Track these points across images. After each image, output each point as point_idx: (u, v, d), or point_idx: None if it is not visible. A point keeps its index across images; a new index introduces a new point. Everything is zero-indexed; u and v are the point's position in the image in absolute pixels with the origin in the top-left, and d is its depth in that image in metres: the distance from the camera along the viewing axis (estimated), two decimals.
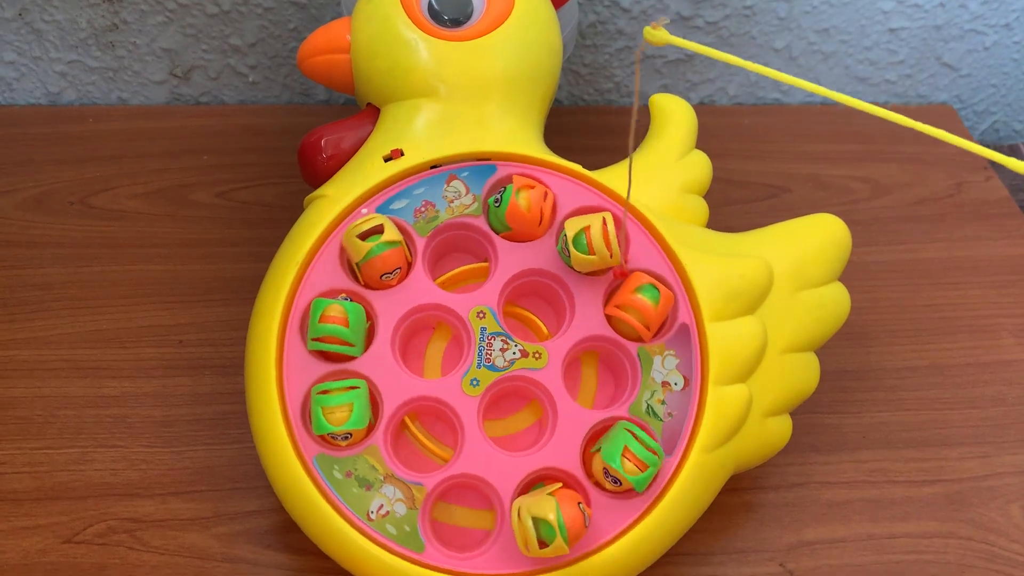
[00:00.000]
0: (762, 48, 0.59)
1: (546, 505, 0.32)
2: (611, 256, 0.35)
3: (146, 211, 0.52)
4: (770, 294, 0.38)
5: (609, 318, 0.36)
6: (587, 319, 0.36)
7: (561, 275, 0.37)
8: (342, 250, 0.37)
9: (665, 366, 0.36)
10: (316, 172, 0.40)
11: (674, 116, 0.41)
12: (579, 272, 0.36)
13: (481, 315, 0.36)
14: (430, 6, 0.39)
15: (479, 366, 0.35)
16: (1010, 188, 0.58)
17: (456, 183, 0.38)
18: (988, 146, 0.63)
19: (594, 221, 0.35)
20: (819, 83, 0.61)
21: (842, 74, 0.61)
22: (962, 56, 0.61)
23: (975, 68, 0.62)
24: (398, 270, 0.36)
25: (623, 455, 0.33)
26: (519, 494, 0.34)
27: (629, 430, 0.34)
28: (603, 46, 0.58)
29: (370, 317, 0.36)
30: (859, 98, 0.66)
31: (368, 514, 0.34)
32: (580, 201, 0.38)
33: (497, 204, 0.37)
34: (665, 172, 0.40)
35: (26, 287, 0.47)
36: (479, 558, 0.34)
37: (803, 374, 0.39)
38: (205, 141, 0.56)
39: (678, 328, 0.36)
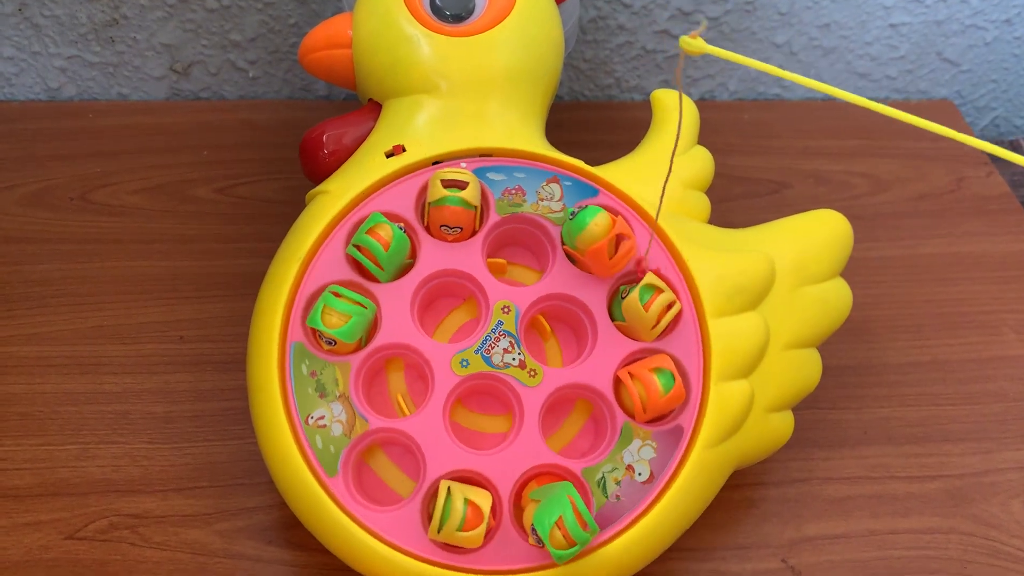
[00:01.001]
0: (763, 43, 0.59)
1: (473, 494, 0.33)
2: (650, 329, 0.35)
3: (146, 207, 0.52)
4: (772, 290, 0.38)
5: (616, 380, 0.36)
6: (598, 371, 0.36)
7: (599, 319, 0.36)
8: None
9: (640, 453, 0.35)
10: (318, 168, 0.40)
11: (675, 112, 0.41)
12: (620, 322, 0.36)
13: (506, 310, 0.36)
14: (432, 2, 0.39)
15: (476, 351, 0.35)
16: (1011, 183, 0.58)
17: (555, 186, 0.37)
18: (988, 141, 0.63)
19: (666, 295, 0.35)
20: (819, 78, 0.61)
21: (843, 69, 0.61)
22: (963, 52, 0.61)
23: (976, 64, 0.62)
24: (459, 230, 0.36)
25: (556, 524, 0.32)
26: (442, 476, 0.34)
27: (571, 497, 0.32)
28: (604, 41, 0.58)
29: (413, 254, 0.36)
30: (859, 94, 0.66)
31: (307, 418, 0.34)
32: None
33: (572, 217, 0.36)
34: (667, 168, 0.40)
35: (26, 283, 0.47)
36: (385, 516, 0.33)
37: (805, 370, 0.39)
38: (205, 136, 0.56)
39: (672, 429, 0.35)
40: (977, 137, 0.61)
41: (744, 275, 0.37)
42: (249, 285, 0.39)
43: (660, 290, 0.35)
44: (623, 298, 0.36)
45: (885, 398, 0.45)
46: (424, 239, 0.37)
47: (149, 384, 0.44)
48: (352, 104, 0.45)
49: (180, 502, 0.40)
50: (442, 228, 0.36)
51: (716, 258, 0.37)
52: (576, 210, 0.36)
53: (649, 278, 0.36)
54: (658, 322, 0.35)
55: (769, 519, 0.40)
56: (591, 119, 0.59)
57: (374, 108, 0.40)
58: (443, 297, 0.38)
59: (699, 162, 0.41)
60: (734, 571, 0.39)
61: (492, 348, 0.36)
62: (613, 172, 0.39)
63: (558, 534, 0.32)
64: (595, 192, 0.38)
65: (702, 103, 0.61)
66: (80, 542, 0.38)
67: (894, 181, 0.56)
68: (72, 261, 0.48)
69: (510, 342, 0.36)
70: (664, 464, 0.35)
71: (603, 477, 0.34)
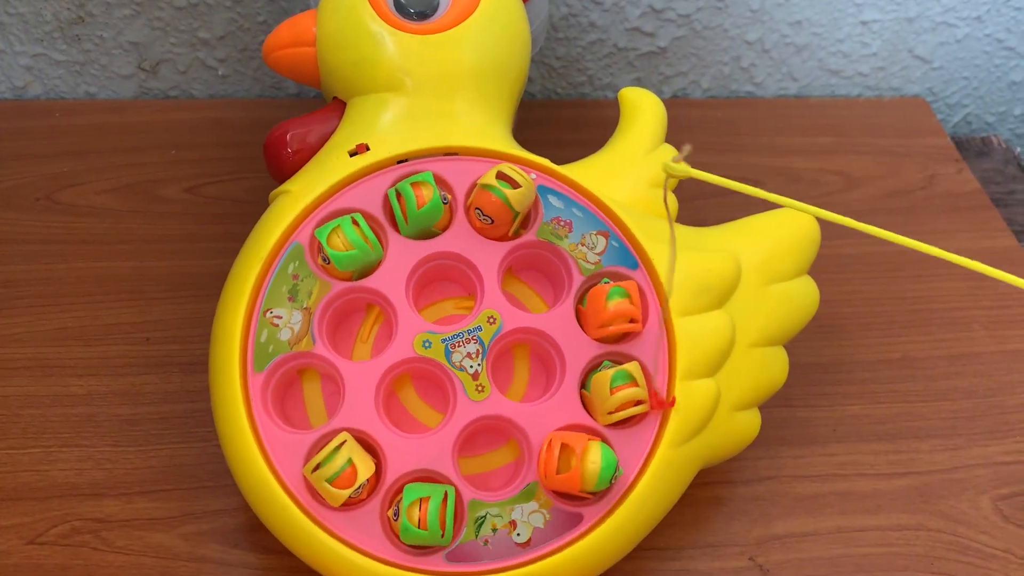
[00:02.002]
0: (734, 41, 0.59)
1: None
2: (606, 414, 0.34)
3: (114, 207, 0.51)
4: (738, 288, 0.38)
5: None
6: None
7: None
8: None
9: (530, 517, 0.34)
10: (282, 167, 0.39)
11: (643, 110, 0.41)
12: (584, 391, 0.36)
13: (492, 320, 0.35)
14: None
15: (443, 340, 0.35)
16: (981, 180, 0.58)
17: (601, 239, 0.37)
18: (960, 138, 0.63)
19: (638, 390, 0.34)
20: (792, 76, 0.61)
21: (815, 67, 0.61)
22: (934, 49, 0.61)
23: (947, 60, 0.62)
24: (490, 220, 0.36)
25: (420, 501, 0.33)
26: (347, 429, 0.34)
27: (448, 494, 0.33)
28: (575, 39, 0.58)
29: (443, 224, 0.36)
30: (832, 91, 0.66)
31: (267, 311, 0.35)
32: (622, 263, 0.37)
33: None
34: (634, 166, 0.40)
35: None
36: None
37: (772, 368, 0.38)
38: (174, 136, 0.55)
39: (572, 514, 0.34)
40: (948, 134, 0.62)
41: (710, 274, 0.37)
42: (217, 286, 0.39)
43: (634, 383, 0.35)
44: (597, 371, 0.35)
45: (855, 395, 0.45)
46: (459, 218, 0.37)
47: (115, 386, 0.43)
48: (322, 102, 0.45)
49: (144, 505, 0.39)
50: (475, 211, 0.36)
51: (682, 257, 0.37)
52: (606, 280, 0.36)
53: (632, 366, 0.35)
54: (617, 410, 0.34)
55: (737, 517, 0.40)
56: (564, 117, 0.59)
57: (338, 106, 0.40)
58: (448, 281, 0.37)
59: (665, 160, 0.40)
60: (702, 570, 0.39)
61: (458, 346, 0.35)
62: (579, 171, 0.39)
63: (415, 513, 0.32)
64: (635, 265, 0.37)
65: (674, 101, 0.61)
66: (42, 547, 0.38)
67: (866, 178, 0.57)
68: (37, 262, 0.48)
69: (477, 350, 0.35)
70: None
71: (485, 516, 0.34)
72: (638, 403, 0.34)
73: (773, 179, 0.56)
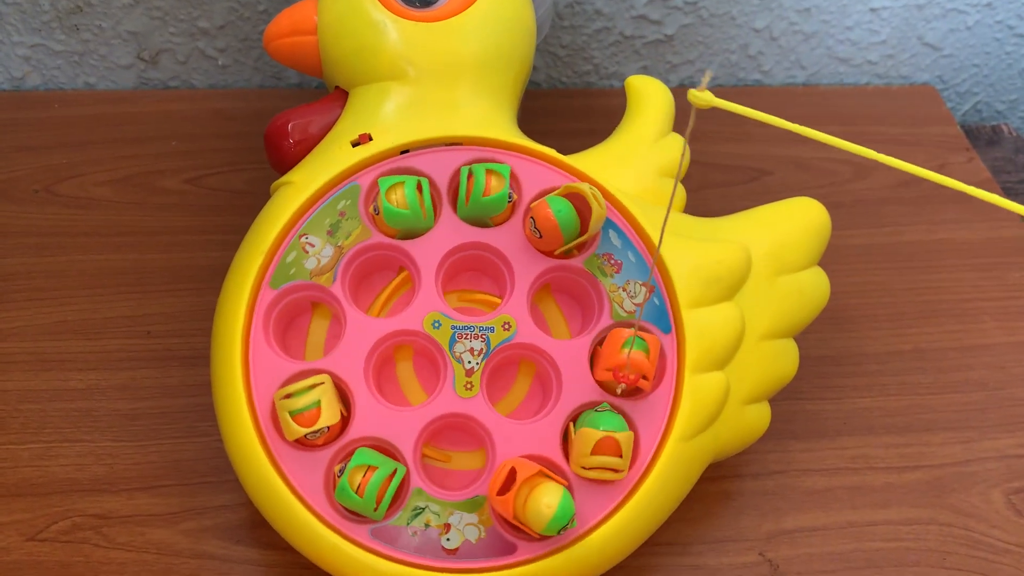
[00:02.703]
0: (742, 28, 0.58)
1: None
2: (579, 465, 0.33)
3: (113, 199, 0.50)
4: (748, 280, 0.37)
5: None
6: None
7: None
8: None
9: (465, 529, 0.33)
10: (283, 158, 0.39)
11: (650, 98, 0.40)
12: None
13: (507, 326, 0.35)
14: None
15: (453, 328, 0.35)
16: (991, 169, 0.57)
17: (642, 290, 0.36)
18: (970, 127, 0.63)
19: (617, 461, 0.33)
20: (800, 64, 0.60)
21: (823, 54, 0.60)
22: (944, 36, 0.60)
23: (957, 48, 0.61)
24: (539, 236, 0.35)
25: (367, 469, 0.32)
26: (331, 373, 0.34)
27: (396, 474, 0.32)
28: (581, 27, 0.57)
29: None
30: (840, 79, 0.66)
31: (303, 235, 0.35)
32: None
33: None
34: (641, 155, 0.39)
35: None
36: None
37: (782, 361, 0.38)
38: (174, 126, 0.54)
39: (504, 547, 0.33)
40: (959, 122, 0.61)
41: (720, 265, 0.36)
42: (218, 278, 0.38)
43: (618, 453, 0.33)
44: (591, 416, 0.34)
45: (864, 388, 0.45)
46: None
47: (115, 380, 0.43)
48: (324, 92, 0.44)
49: (145, 501, 0.39)
50: (530, 219, 0.35)
51: (691, 248, 0.37)
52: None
53: (624, 436, 0.33)
54: (591, 469, 0.33)
55: (747, 512, 0.40)
56: (569, 106, 0.58)
57: (340, 96, 0.39)
58: (483, 275, 0.37)
59: (674, 150, 0.40)
60: (712, 565, 0.38)
61: (465, 338, 0.35)
62: (586, 161, 0.38)
63: (358, 478, 0.32)
64: (668, 329, 0.35)
65: (681, 89, 0.60)
66: (42, 543, 0.37)
67: (875, 168, 0.56)
68: (36, 255, 0.47)
69: (481, 349, 0.35)
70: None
71: (424, 509, 0.33)
72: (614, 471, 0.33)
73: (781, 168, 0.55)
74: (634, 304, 0.35)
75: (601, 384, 0.35)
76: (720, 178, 0.54)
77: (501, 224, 0.36)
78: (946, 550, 0.39)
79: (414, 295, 0.35)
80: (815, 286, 0.39)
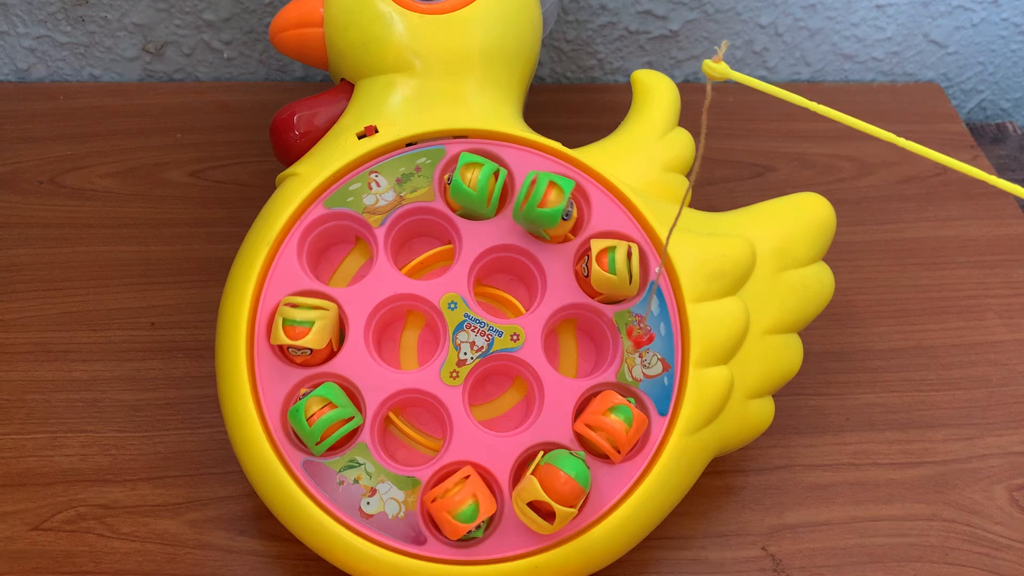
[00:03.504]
0: (747, 24, 0.58)
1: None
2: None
3: (118, 190, 0.50)
4: (753, 274, 0.37)
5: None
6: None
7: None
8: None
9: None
10: (289, 150, 0.39)
11: (656, 93, 0.40)
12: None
13: (453, 305, 0.35)
14: None
15: (458, 360, 0.35)
16: (996, 167, 0.57)
17: (661, 367, 0.35)
18: (975, 125, 0.62)
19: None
20: (805, 60, 0.60)
21: (828, 51, 0.60)
22: (950, 33, 0.60)
23: (962, 45, 0.61)
24: (585, 274, 0.35)
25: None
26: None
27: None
28: (586, 22, 0.57)
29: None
30: (845, 76, 0.65)
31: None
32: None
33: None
34: (646, 150, 0.39)
35: None
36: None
37: (786, 356, 0.38)
38: (179, 119, 0.54)
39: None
40: (963, 120, 0.61)
41: (724, 259, 0.36)
42: (223, 270, 0.38)
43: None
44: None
45: (868, 384, 0.45)
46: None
47: (119, 371, 0.43)
48: (329, 85, 0.44)
49: (149, 492, 0.39)
50: (586, 259, 0.35)
51: (696, 242, 0.37)
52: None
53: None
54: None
55: (749, 506, 0.40)
56: (573, 101, 0.58)
57: (346, 88, 0.39)
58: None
59: (680, 144, 0.40)
60: (714, 560, 0.38)
61: (472, 329, 0.35)
62: (591, 154, 0.38)
63: (315, 408, 0.33)
64: (665, 411, 0.35)
65: (686, 85, 0.60)
66: (47, 533, 0.37)
67: (879, 164, 0.56)
68: (41, 246, 0.47)
69: (482, 347, 0.35)
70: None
71: (361, 465, 0.33)
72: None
73: (786, 165, 0.55)
74: (643, 375, 0.35)
75: (577, 435, 0.34)
76: (724, 174, 0.54)
77: (557, 241, 0.36)
78: (949, 546, 0.39)
79: (446, 271, 0.35)
80: (820, 281, 0.39)
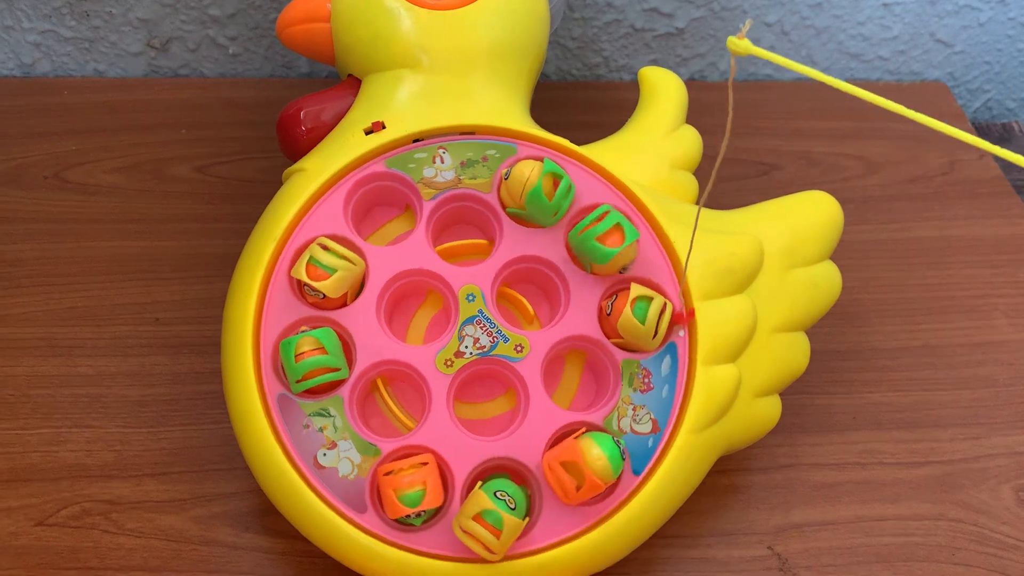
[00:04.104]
0: (753, 22, 0.58)
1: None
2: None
3: (123, 186, 0.50)
4: (761, 272, 0.37)
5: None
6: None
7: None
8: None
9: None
10: (296, 145, 0.39)
11: (664, 90, 0.40)
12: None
13: (471, 297, 0.35)
14: None
15: (457, 347, 0.34)
16: (1003, 167, 0.57)
17: (650, 426, 0.35)
18: (981, 124, 0.62)
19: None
20: (811, 59, 0.60)
21: (835, 50, 0.60)
22: (956, 32, 0.60)
23: (969, 44, 0.61)
24: (608, 313, 0.35)
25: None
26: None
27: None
28: (592, 19, 0.57)
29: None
30: (851, 74, 0.65)
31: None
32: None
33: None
34: (654, 147, 0.39)
35: None
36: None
37: (793, 354, 0.38)
38: (184, 115, 0.54)
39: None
40: (970, 120, 0.61)
41: (732, 257, 0.36)
42: (228, 266, 0.38)
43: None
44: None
45: (874, 383, 0.45)
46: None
47: (124, 367, 0.43)
48: (334, 81, 0.44)
49: (154, 488, 0.39)
50: (610, 301, 0.35)
51: (704, 239, 0.36)
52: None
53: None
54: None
55: (755, 505, 0.40)
56: (578, 99, 0.58)
57: (353, 84, 0.39)
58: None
59: (687, 142, 0.40)
60: (720, 558, 0.38)
61: (480, 326, 0.35)
62: (599, 151, 0.38)
63: (306, 347, 0.33)
64: (640, 472, 0.34)
65: (692, 83, 0.60)
66: (51, 528, 0.37)
67: (885, 163, 0.56)
68: (46, 241, 0.47)
69: (483, 328, 0.35)
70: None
71: (330, 416, 0.33)
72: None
73: (791, 163, 0.55)
74: (630, 428, 0.34)
75: (545, 468, 0.33)
76: (730, 172, 0.54)
77: (599, 274, 0.35)
78: (956, 546, 0.39)
79: (477, 263, 0.35)
80: (827, 280, 0.39)
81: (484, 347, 0.34)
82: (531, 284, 0.37)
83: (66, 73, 0.57)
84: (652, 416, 0.34)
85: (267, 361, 0.34)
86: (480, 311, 0.35)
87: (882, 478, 0.41)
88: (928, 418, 0.43)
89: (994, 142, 0.60)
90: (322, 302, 0.34)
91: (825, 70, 0.61)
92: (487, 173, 0.36)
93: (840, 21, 0.59)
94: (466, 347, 0.34)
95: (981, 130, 0.60)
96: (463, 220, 0.37)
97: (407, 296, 0.36)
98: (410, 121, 0.37)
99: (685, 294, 0.36)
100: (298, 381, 0.33)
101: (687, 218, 0.37)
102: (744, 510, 0.40)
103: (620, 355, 0.35)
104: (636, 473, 0.34)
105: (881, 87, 0.61)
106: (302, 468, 0.33)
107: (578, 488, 0.32)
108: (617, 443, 0.33)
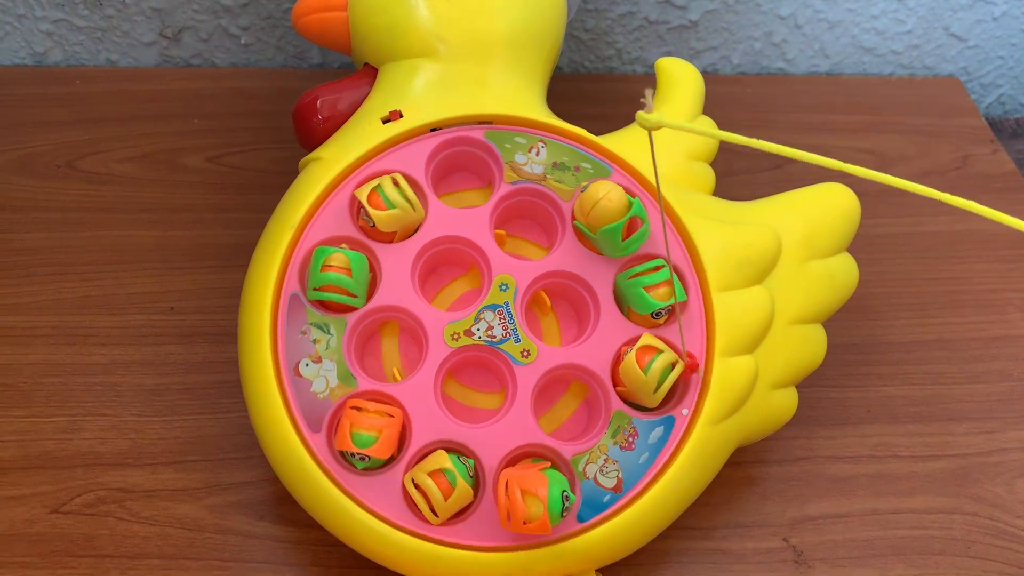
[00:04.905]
0: (767, 15, 0.58)
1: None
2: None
3: (135, 175, 0.50)
4: (778, 264, 0.37)
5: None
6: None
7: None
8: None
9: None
10: (312, 134, 0.38)
11: (681, 80, 0.40)
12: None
13: (504, 287, 0.35)
14: None
15: (470, 325, 0.34)
16: (1016, 162, 0.57)
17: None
18: (993, 119, 0.62)
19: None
20: (824, 53, 0.60)
21: (848, 43, 0.60)
22: (970, 27, 0.60)
23: (983, 39, 0.61)
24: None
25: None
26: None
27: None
28: (605, 11, 0.57)
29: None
30: (864, 69, 0.65)
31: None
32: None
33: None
34: (671, 138, 0.39)
35: (11, 252, 0.46)
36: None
37: (810, 346, 0.38)
38: (196, 105, 0.54)
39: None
40: (982, 115, 0.60)
41: (750, 248, 0.36)
42: (240, 256, 0.38)
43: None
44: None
45: (888, 376, 0.44)
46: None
47: (138, 356, 0.42)
48: (346, 72, 0.44)
49: (169, 476, 0.39)
50: (628, 356, 0.34)
51: (721, 231, 0.36)
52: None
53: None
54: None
55: (770, 498, 0.40)
56: (591, 91, 0.58)
57: (370, 73, 0.39)
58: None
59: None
60: (735, 550, 0.38)
61: (484, 321, 0.35)
62: (616, 141, 0.38)
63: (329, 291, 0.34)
64: (585, 518, 0.33)
65: (704, 76, 0.59)
66: (66, 516, 0.37)
67: (899, 158, 0.55)
68: (59, 230, 0.47)
69: (502, 319, 0.34)
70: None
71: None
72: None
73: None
74: (595, 478, 0.33)
75: (501, 480, 0.32)
76: (744, 165, 0.54)
77: (632, 321, 0.35)
78: (971, 539, 0.39)
79: (524, 260, 0.35)
80: (845, 272, 0.38)
81: (494, 337, 0.34)
82: (567, 302, 0.36)
83: (78, 62, 0.57)
84: (620, 475, 0.33)
85: (297, 262, 0.34)
86: (507, 303, 0.35)
87: (897, 471, 0.41)
88: (943, 412, 0.43)
89: (1007, 137, 0.60)
90: (371, 230, 0.35)
91: (838, 64, 0.61)
92: (574, 182, 0.36)
93: (854, 15, 0.58)
94: (478, 329, 0.34)
95: (994, 125, 0.60)
96: (531, 216, 0.37)
97: (451, 262, 0.36)
98: (427, 110, 0.37)
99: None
100: (315, 289, 0.34)
101: (704, 208, 0.37)
102: (759, 502, 0.40)
103: (617, 404, 0.34)
104: (580, 520, 0.33)
105: (895, 82, 0.61)
106: (283, 368, 0.33)
107: (525, 522, 0.31)
108: (565, 499, 0.31)
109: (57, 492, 0.38)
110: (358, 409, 0.33)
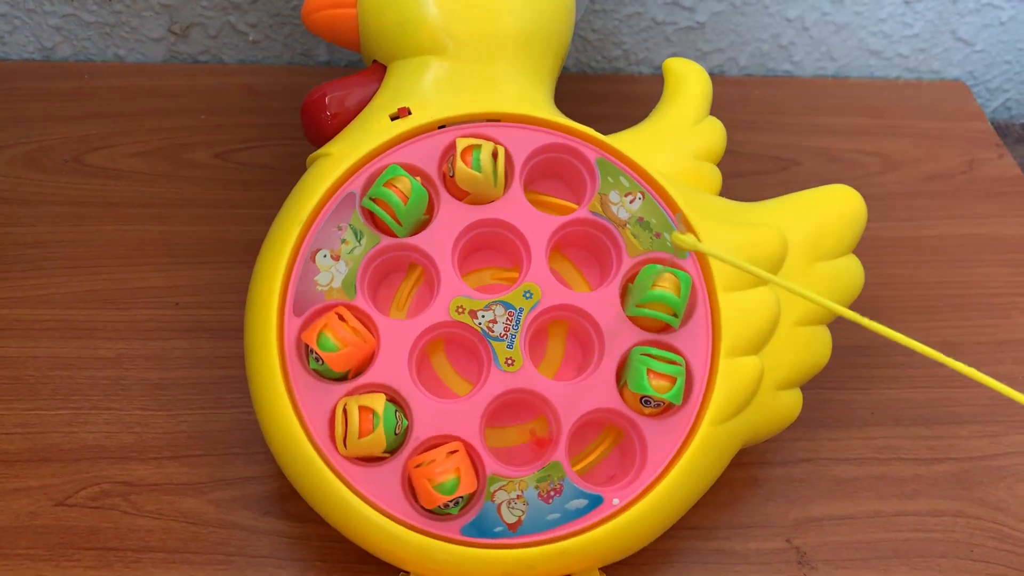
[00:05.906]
0: (775, 17, 0.58)
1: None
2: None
3: (143, 170, 0.50)
4: (784, 265, 0.37)
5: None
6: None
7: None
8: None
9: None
10: (320, 130, 0.38)
11: (689, 81, 0.40)
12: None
13: (528, 295, 0.35)
14: None
15: (477, 308, 0.34)
16: (1022, 166, 0.57)
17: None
18: (999, 124, 0.62)
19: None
20: (831, 55, 0.60)
21: (855, 46, 0.60)
22: (977, 31, 0.60)
23: (990, 43, 0.61)
24: None
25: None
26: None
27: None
28: (612, 11, 0.57)
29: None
30: (870, 72, 0.65)
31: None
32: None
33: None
34: (679, 138, 0.39)
35: (19, 245, 0.46)
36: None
37: (816, 347, 0.38)
38: (203, 101, 0.54)
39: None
40: (988, 119, 0.60)
41: (756, 249, 0.36)
42: (247, 252, 0.38)
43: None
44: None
45: (893, 379, 0.44)
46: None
47: (144, 350, 0.43)
48: (353, 70, 0.44)
49: (174, 470, 0.39)
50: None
51: (728, 231, 0.36)
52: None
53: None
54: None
55: (774, 499, 0.40)
56: (597, 91, 0.58)
57: (378, 69, 0.39)
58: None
59: (711, 134, 0.40)
60: (738, 551, 0.38)
61: (492, 313, 0.35)
62: (623, 141, 0.38)
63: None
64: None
65: (711, 78, 0.60)
66: (71, 509, 0.37)
67: (905, 161, 0.55)
68: (66, 224, 0.47)
69: (509, 321, 0.34)
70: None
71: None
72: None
73: (811, 159, 0.55)
74: (497, 509, 0.33)
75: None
76: (750, 167, 0.54)
77: (621, 393, 0.35)
78: (974, 542, 0.39)
79: (559, 278, 0.35)
80: (850, 274, 0.38)
81: (491, 332, 0.34)
82: (579, 345, 0.36)
83: (87, 57, 0.57)
84: (523, 518, 0.33)
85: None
86: (521, 309, 0.35)
87: (900, 474, 0.41)
88: (946, 415, 0.43)
89: (1013, 142, 0.60)
90: (448, 179, 0.36)
91: (844, 67, 0.61)
92: (648, 244, 0.36)
93: (861, 17, 0.59)
94: (483, 316, 0.34)
95: (1000, 130, 0.60)
96: (592, 250, 0.37)
97: (500, 250, 0.37)
98: (436, 108, 0.37)
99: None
100: (370, 198, 0.35)
101: (710, 209, 0.37)
102: (763, 503, 0.40)
103: (557, 455, 0.33)
104: (464, 534, 0.33)
105: (900, 85, 0.61)
106: (303, 250, 0.34)
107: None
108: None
109: (62, 485, 0.38)
110: (341, 318, 0.33)
